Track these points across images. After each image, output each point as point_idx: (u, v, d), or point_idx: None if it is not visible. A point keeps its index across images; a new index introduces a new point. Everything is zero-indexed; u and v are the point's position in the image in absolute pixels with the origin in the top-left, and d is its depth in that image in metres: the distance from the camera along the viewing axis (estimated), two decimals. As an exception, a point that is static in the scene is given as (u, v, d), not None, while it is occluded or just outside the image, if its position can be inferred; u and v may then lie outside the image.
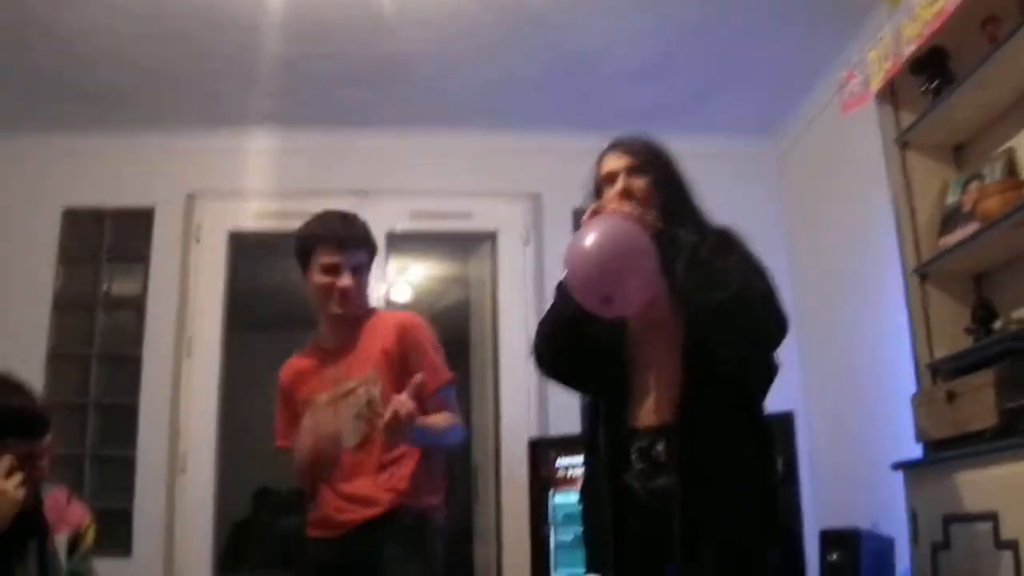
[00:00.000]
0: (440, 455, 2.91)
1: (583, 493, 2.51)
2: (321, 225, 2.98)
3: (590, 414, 2.50)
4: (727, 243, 2.32)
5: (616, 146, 2.47)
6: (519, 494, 4.35)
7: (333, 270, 2.91)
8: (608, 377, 2.40)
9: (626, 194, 2.38)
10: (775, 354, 2.35)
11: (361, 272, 2.95)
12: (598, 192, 2.48)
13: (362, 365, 2.88)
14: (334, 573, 2.81)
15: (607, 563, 2.35)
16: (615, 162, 2.44)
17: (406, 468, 2.80)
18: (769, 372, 2.35)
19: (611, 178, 2.43)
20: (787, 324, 2.23)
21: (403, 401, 2.58)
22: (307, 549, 2.92)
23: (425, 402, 2.74)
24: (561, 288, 2.39)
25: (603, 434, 2.38)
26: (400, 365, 2.84)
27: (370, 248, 3.01)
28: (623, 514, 2.31)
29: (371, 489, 2.78)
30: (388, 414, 2.55)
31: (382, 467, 2.79)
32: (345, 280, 2.90)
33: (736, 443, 2.24)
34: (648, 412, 2.33)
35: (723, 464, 2.22)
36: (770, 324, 2.21)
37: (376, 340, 2.91)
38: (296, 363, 3.06)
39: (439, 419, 2.81)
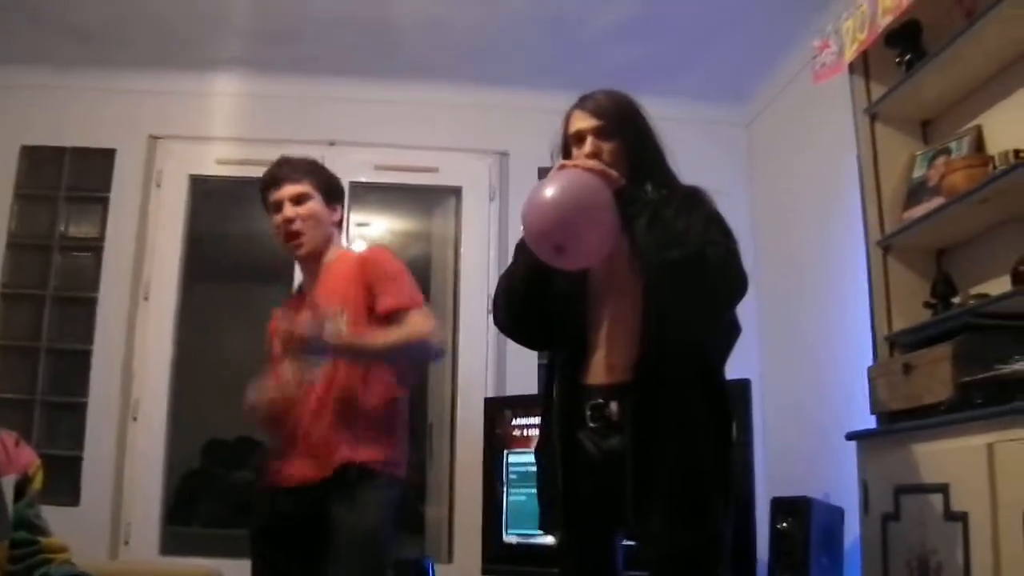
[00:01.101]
0: (399, 397, 2.89)
1: (538, 452, 2.50)
2: (266, 170, 3.07)
3: (547, 371, 2.49)
4: (692, 202, 2.30)
5: (585, 103, 2.42)
6: (474, 453, 4.34)
7: (277, 208, 2.98)
8: (565, 334, 2.39)
9: (594, 157, 2.34)
10: (735, 317, 2.35)
11: (302, 201, 2.97)
12: (565, 149, 2.45)
13: (328, 302, 2.87)
14: (286, 523, 2.81)
15: (558, 522, 2.34)
16: (583, 122, 2.40)
17: (358, 421, 2.78)
18: (729, 335, 2.35)
19: (579, 137, 2.40)
20: (744, 285, 2.22)
21: (300, 322, 2.68)
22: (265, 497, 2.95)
23: (379, 326, 2.80)
24: (521, 244, 2.38)
25: (557, 391, 2.37)
26: (367, 298, 2.86)
27: (315, 179, 3.03)
28: (575, 473, 2.30)
29: (319, 448, 2.78)
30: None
31: (338, 416, 2.78)
32: (286, 211, 2.96)
33: (690, 406, 2.23)
34: (603, 370, 2.32)
35: (676, 426, 2.20)
36: (726, 284, 2.19)
37: (340, 277, 2.93)
38: (277, 312, 3.07)
39: (381, 334, 2.78)
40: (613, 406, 2.27)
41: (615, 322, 2.33)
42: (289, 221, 2.95)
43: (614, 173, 2.27)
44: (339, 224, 3.12)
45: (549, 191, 2.17)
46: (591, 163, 2.29)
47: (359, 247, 5.98)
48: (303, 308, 2.95)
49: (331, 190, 3.07)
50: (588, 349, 2.36)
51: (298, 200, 2.97)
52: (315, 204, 3.00)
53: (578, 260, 2.24)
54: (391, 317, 2.82)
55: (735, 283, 2.20)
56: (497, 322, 2.54)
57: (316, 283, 3.00)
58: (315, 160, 3.13)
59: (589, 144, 2.36)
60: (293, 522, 2.80)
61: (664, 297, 2.21)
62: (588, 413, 2.30)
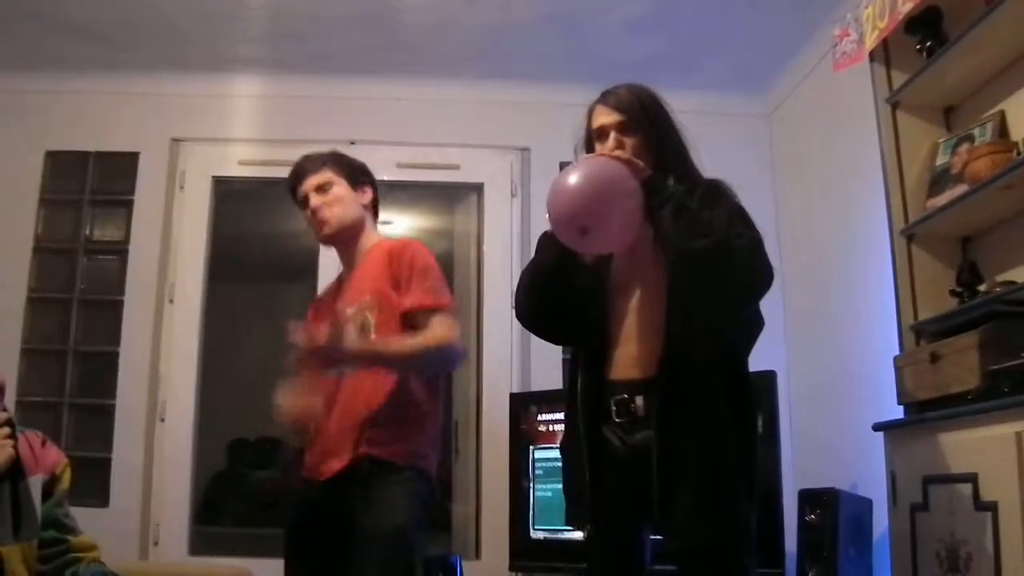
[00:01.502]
0: (428, 392, 2.82)
1: (563, 448, 2.50)
2: (291, 171, 3.06)
3: (571, 366, 2.49)
4: (715, 195, 2.29)
5: (607, 99, 2.43)
6: (499, 449, 4.34)
7: (305, 203, 2.98)
8: (588, 328, 2.39)
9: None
10: (759, 309, 2.34)
11: (326, 189, 2.96)
12: (588, 144, 2.46)
13: (359, 293, 2.86)
14: (314, 518, 2.79)
15: (585, 517, 2.34)
16: (606, 117, 2.40)
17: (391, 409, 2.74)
18: (753, 327, 2.35)
19: (602, 132, 2.40)
20: (770, 277, 2.21)
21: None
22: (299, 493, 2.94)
23: (403, 324, 2.75)
24: (543, 238, 2.39)
25: (581, 386, 2.37)
26: (394, 289, 2.81)
27: (335, 164, 3.01)
28: (601, 468, 2.30)
29: (341, 439, 2.75)
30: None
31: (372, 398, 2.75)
32: (312, 200, 2.95)
33: (714, 399, 2.22)
34: (628, 365, 2.31)
35: (700, 420, 2.20)
36: (752, 276, 2.19)
37: (372, 266, 2.89)
38: (315, 301, 3.13)
39: (399, 341, 2.72)
40: (639, 401, 2.27)
41: (638, 315, 2.33)
42: (317, 209, 2.94)
43: (640, 163, 2.27)
44: (372, 206, 3.09)
45: (575, 176, 2.19)
46: (617, 152, 2.30)
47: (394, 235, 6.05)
48: (336, 294, 2.98)
49: (354, 172, 3.04)
50: (611, 343, 2.35)
51: (321, 189, 2.95)
52: (339, 189, 2.97)
53: (602, 244, 2.26)
54: (413, 317, 2.76)
55: (761, 274, 2.20)
56: (519, 316, 2.53)
57: (351, 272, 2.98)
58: (335, 149, 3.10)
59: (612, 139, 2.37)
60: (320, 517, 2.77)
61: (690, 288, 2.20)
62: (613, 408, 2.30)
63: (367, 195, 3.06)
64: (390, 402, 2.74)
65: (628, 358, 2.32)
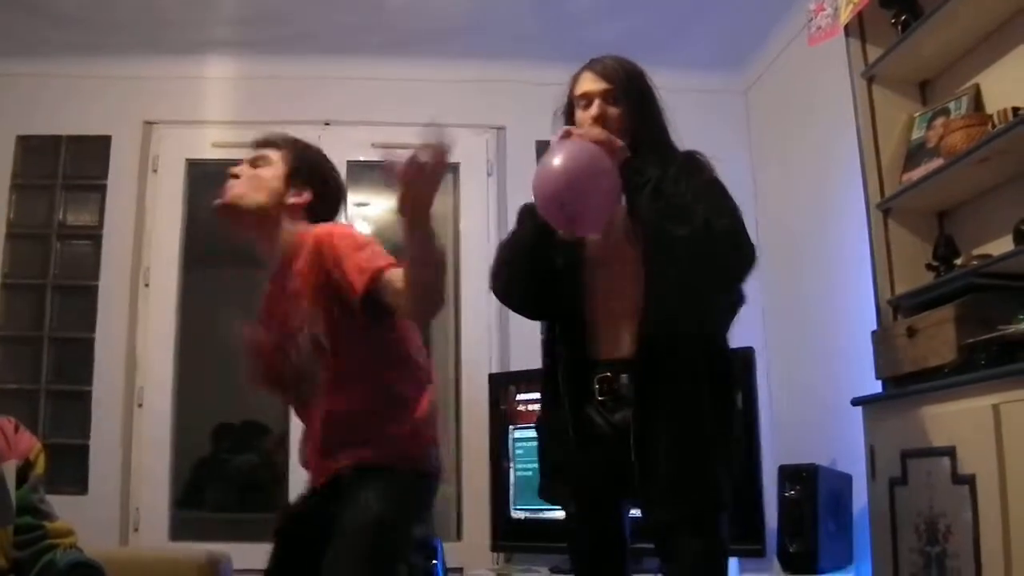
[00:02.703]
0: (411, 386, 2.60)
1: (539, 425, 2.51)
2: None
3: (547, 344, 2.49)
4: (690, 168, 2.30)
5: (594, 66, 2.44)
6: (479, 430, 4.34)
7: None
8: (563, 303, 2.38)
9: (599, 120, 2.36)
10: (741, 288, 2.35)
11: (256, 164, 2.66)
12: (570, 110, 2.46)
13: (296, 303, 2.56)
14: (303, 523, 2.62)
15: (567, 492, 2.36)
16: (591, 84, 2.41)
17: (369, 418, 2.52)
18: (734, 305, 2.36)
19: (586, 99, 2.40)
20: (753, 258, 2.23)
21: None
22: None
23: (365, 310, 2.40)
24: (521, 213, 2.42)
25: (564, 364, 2.36)
26: (328, 287, 2.47)
27: (288, 152, 2.68)
28: (583, 445, 2.30)
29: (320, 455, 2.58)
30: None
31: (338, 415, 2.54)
32: (233, 170, 2.68)
33: (694, 375, 2.23)
34: (611, 343, 2.32)
35: (679, 397, 2.21)
36: (735, 259, 2.22)
37: (299, 267, 2.56)
38: (265, 291, 2.78)
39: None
40: (623, 379, 2.28)
41: (614, 294, 2.33)
42: (231, 177, 2.65)
43: (618, 142, 2.29)
44: (302, 207, 2.67)
45: (557, 159, 2.22)
46: (596, 132, 2.31)
47: (361, 226, 6.00)
48: (273, 294, 2.69)
49: (299, 168, 2.68)
50: (591, 322, 2.35)
51: (253, 162, 2.67)
52: (267, 172, 2.64)
53: (587, 226, 2.27)
54: (375, 292, 2.38)
55: (744, 257, 2.22)
56: (494, 289, 2.52)
57: (279, 269, 2.66)
58: (307, 143, 2.80)
59: (595, 107, 2.38)
60: (310, 515, 2.60)
61: (672, 273, 2.21)
62: (596, 387, 2.31)
63: (302, 196, 2.67)
64: (359, 411, 2.52)
65: (611, 337, 2.32)
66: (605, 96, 2.38)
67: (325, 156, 2.84)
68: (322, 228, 2.58)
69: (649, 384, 2.22)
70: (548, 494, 2.43)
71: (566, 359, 2.36)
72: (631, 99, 2.39)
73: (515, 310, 2.63)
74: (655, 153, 2.34)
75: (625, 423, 2.25)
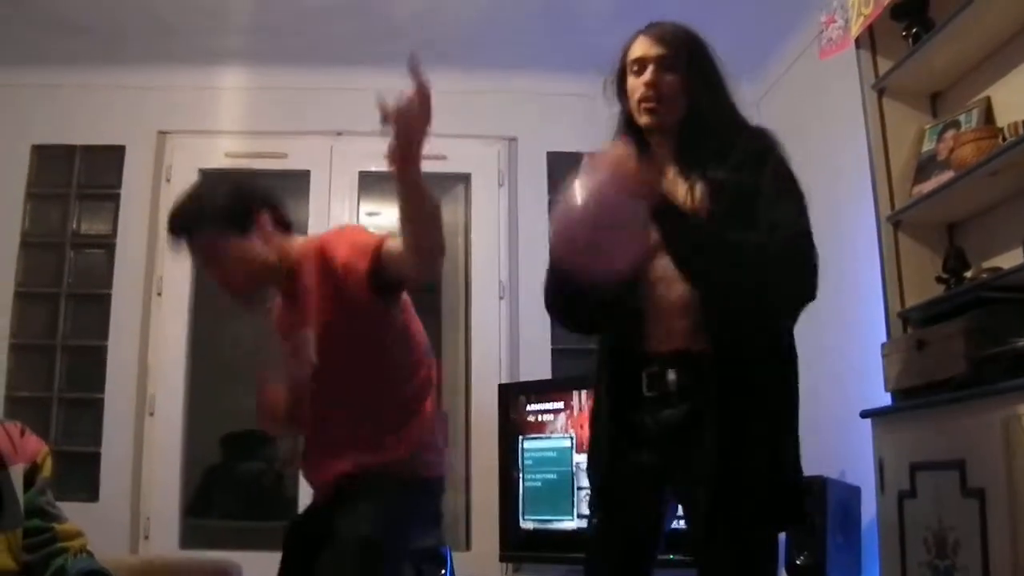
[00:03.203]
0: (415, 395, 2.62)
1: (593, 416, 2.37)
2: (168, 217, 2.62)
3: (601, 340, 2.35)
4: (754, 162, 2.18)
5: (651, 29, 2.28)
6: (489, 440, 4.34)
7: (200, 263, 2.64)
8: (619, 306, 2.22)
9: (653, 86, 2.20)
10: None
11: (220, 253, 2.53)
12: (621, 75, 2.30)
13: (308, 311, 2.57)
14: (309, 536, 2.61)
15: (612, 484, 2.24)
16: (647, 48, 2.24)
17: (370, 425, 2.56)
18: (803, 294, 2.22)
19: (641, 64, 2.24)
20: (810, 292, 2.15)
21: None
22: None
23: (375, 286, 2.40)
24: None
25: (612, 358, 2.24)
26: (338, 292, 2.47)
27: (219, 220, 2.51)
28: (628, 442, 2.19)
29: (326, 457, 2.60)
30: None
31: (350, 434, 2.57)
32: (209, 275, 2.61)
33: (757, 374, 2.13)
34: (660, 337, 2.17)
35: (739, 398, 2.08)
36: (794, 288, 2.12)
37: (307, 278, 2.56)
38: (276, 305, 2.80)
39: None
40: (671, 375, 2.14)
41: (668, 282, 2.17)
42: (223, 284, 2.59)
43: (648, 181, 2.08)
44: (272, 226, 2.59)
45: (572, 208, 2.05)
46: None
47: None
48: (287, 304, 2.68)
49: (235, 216, 2.54)
50: (643, 316, 2.20)
51: (214, 256, 2.55)
52: (236, 247, 2.53)
53: (607, 275, 2.09)
54: (378, 258, 2.39)
55: (800, 292, 2.13)
56: (550, 309, 2.37)
57: (289, 280, 2.63)
58: (203, 193, 2.67)
59: (649, 73, 2.21)
60: (315, 525, 2.59)
61: (727, 311, 2.10)
62: (645, 381, 2.17)
63: (260, 226, 2.57)
64: (371, 414, 2.56)
65: (661, 330, 2.17)
66: (660, 61, 2.21)
67: (226, 178, 2.84)
68: (313, 240, 2.60)
69: (703, 380, 2.09)
70: (596, 476, 2.31)
71: (615, 352, 2.24)
72: (690, 67, 2.22)
73: (572, 329, 2.48)
74: (715, 130, 2.21)
75: (672, 421, 2.12)
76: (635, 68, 2.26)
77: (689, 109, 2.22)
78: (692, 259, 2.09)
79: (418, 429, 2.60)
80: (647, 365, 2.18)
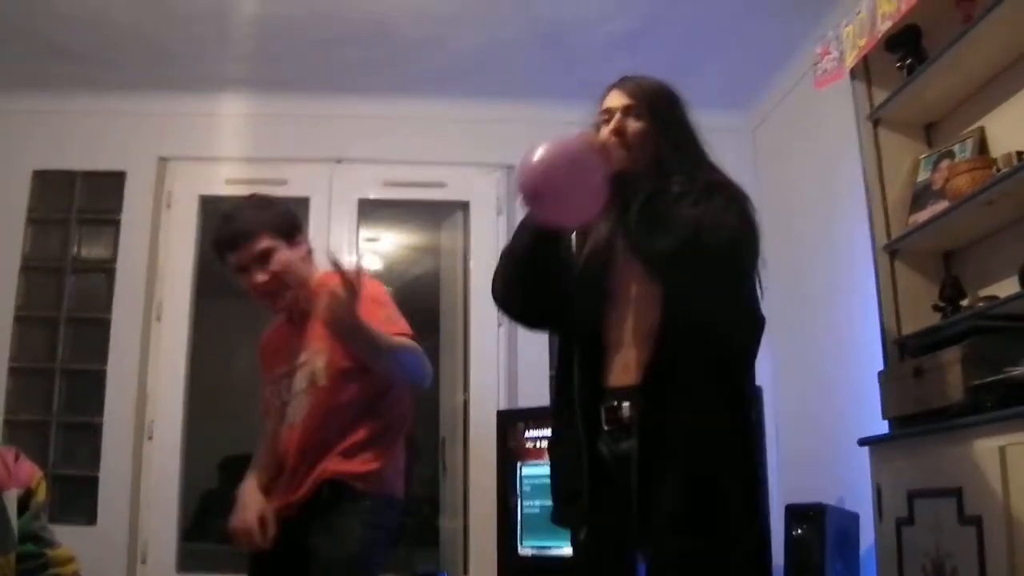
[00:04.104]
0: (392, 421, 2.74)
1: (551, 450, 2.46)
2: (215, 231, 2.82)
3: (562, 372, 2.42)
4: (712, 190, 2.23)
5: (623, 83, 2.40)
6: (487, 466, 4.35)
7: (242, 270, 2.74)
8: (579, 326, 2.34)
9: (618, 134, 2.31)
10: (757, 305, 2.29)
11: (268, 258, 2.71)
12: (597, 127, 2.39)
13: (314, 337, 2.71)
14: (280, 553, 2.66)
15: (582, 519, 2.29)
16: (615, 100, 2.37)
17: (347, 443, 2.64)
18: (751, 327, 2.28)
19: (609, 114, 2.36)
20: (745, 254, 2.20)
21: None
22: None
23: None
24: (523, 218, 2.37)
25: (578, 393, 2.30)
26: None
27: (271, 225, 2.74)
28: (593, 477, 2.24)
29: (302, 470, 2.65)
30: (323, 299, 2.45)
31: (319, 449, 2.66)
32: (257, 277, 2.71)
33: (708, 406, 2.16)
34: (619, 371, 2.26)
35: (688, 429, 2.13)
36: (723, 268, 2.14)
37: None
38: (269, 333, 2.97)
39: (391, 338, 2.59)
40: (625, 407, 2.22)
41: (631, 320, 2.27)
42: (262, 285, 2.72)
43: (616, 151, 2.26)
44: (308, 253, 2.86)
45: (543, 145, 2.18)
46: (599, 136, 2.30)
47: (371, 262, 6.04)
48: (292, 333, 2.82)
49: (289, 227, 2.80)
50: (605, 349, 2.30)
51: (262, 259, 2.71)
52: (282, 255, 2.73)
53: (553, 211, 2.22)
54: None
55: (735, 260, 2.17)
56: (494, 291, 2.47)
57: (305, 311, 2.77)
58: (259, 201, 2.87)
59: (615, 121, 2.33)
60: (283, 545, 2.64)
61: (671, 285, 2.18)
62: (603, 415, 2.26)
63: (304, 245, 2.84)
64: (352, 431, 2.65)
65: (620, 365, 2.27)
66: (626, 111, 2.33)
67: (275, 200, 2.95)
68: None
69: (653, 410, 2.15)
70: (560, 519, 2.41)
71: (579, 385, 2.31)
72: (655, 117, 2.33)
73: (513, 315, 2.56)
74: (678, 174, 2.27)
75: (627, 453, 2.18)
76: (605, 118, 2.37)
77: (656, 158, 2.31)
78: (636, 223, 2.19)
79: (391, 456, 2.71)
80: (605, 399, 2.26)
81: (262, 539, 2.61)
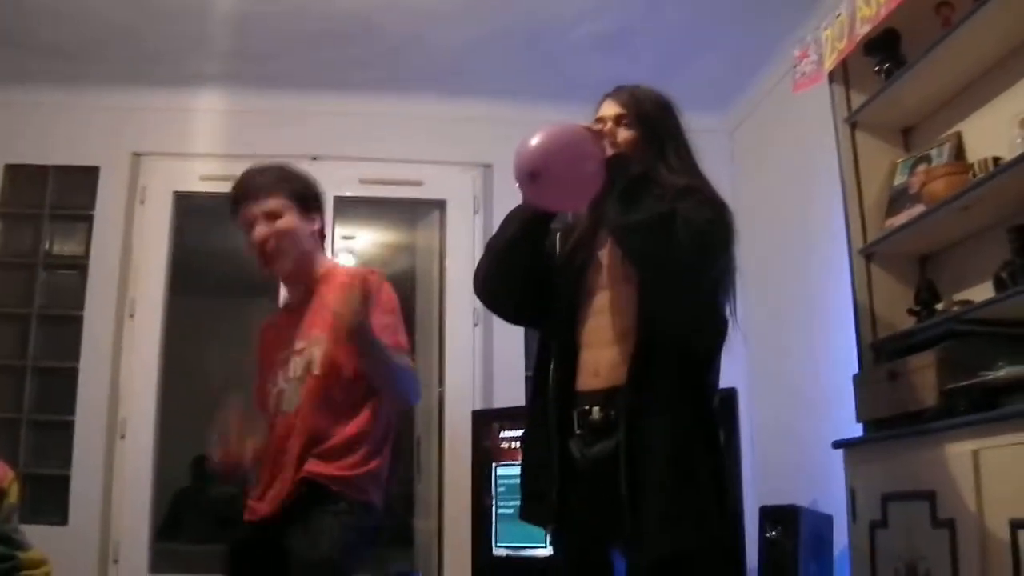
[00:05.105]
0: (380, 426, 2.71)
1: (522, 445, 2.50)
2: (234, 184, 2.83)
3: (536, 377, 2.45)
4: (691, 190, 2.28)
5: (616, 92, 2.45)
6: (462, 466, 4.34)
7: (249, 226, 2.74)
8: (561, 335, 2.37)
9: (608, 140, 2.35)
10: (722, 309, 2.31)
11: (276, 218, 2.72)
12: None
13: (313, 326, 2.72)
14: (255, 554, 2.67)
15: (548, 516, 2.33)
16: (607, 108, 2.42)
17: (332, 442, 2.64)
18: (716, 329, 2.31)
19: (601, 122, 2.41)
20: (715, 246, 2.23)
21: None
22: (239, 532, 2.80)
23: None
24: (510, 212, 2.41)
25: (552, 396, 2.33)
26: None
27: (288, 189, 2.76)
28: (566, 482, 2.27)
29: (284, 467, 2.64)
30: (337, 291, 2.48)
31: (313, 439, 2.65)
32: (258, 231, 2.71)
33: (682, 406, 2.20)
34: (589, 374, 2.30)
35: (666, 429, 2.16)
36: (691, 242, 2.13)
37: (329, 297, 2.68)
38: (267, 322, 2.96)
39: (392, 349, 2.62)
40: (595, 412, 2.25)
41: (605, 320, 2.31)
42: (264, 241, 2.72)
43: (610, 140, 2.31)
44: (320, 234, 2.86)
45: (542, 128, 2.22)
46: (590, 124, 2.33)
47: (347, 260, 6.02)
48: (290, 321, 2.81)
49: (307, 199, 2.80)
50: (579, 348, 2.33)
51: (270, 216, 2.72)
52: (290, 218, 2.74)
53: (549, 193, 2.24)
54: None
55: (701, 243, 2.16)
56: (475, 282, 2.51)
57: (305, 299, 2.80)
58: (286, 166, 2.87)
59: (608, 128, 2.38)
60: (260, 545, 2.64)
61: (639, 263, 2.21)
62: (576, 420, 2.28)
63: (316, 223, 2.84)
64: (339, 428, 2.64)
65: (591, 367, 2.30)
66: (618, 119, 2.38)
67: (302, 172, 2.91)
68: (361, 271, 2.71)
69: (637, 410, 2.18)
70: (527, 515, 2.43)
71: (553, 385, 2.34)
72: (645, 127, 2.38)
73: (493, 306, 2.59)
74: (666, 181, 2.30)
75: (600, 456, 2.22)
76: (598, 127, 2.39)
77: (644, 162, 2.33)
78: (616, 200, 2.20)
79: (374, 465, 2.68)
80: (578, 403, 2.29)
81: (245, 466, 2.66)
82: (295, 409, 2.66)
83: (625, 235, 2.21)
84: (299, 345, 2.72)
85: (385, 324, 2.62)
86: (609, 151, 2.27)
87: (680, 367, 2.22)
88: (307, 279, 2.81)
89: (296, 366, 2.69)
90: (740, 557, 3.47)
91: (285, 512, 2.60)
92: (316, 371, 2.64)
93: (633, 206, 2.17)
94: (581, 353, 2.32)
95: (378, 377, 2.64)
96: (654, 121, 2.41)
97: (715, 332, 2.32)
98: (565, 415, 2.30)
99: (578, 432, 2.28)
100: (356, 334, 2.48)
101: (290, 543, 2.54)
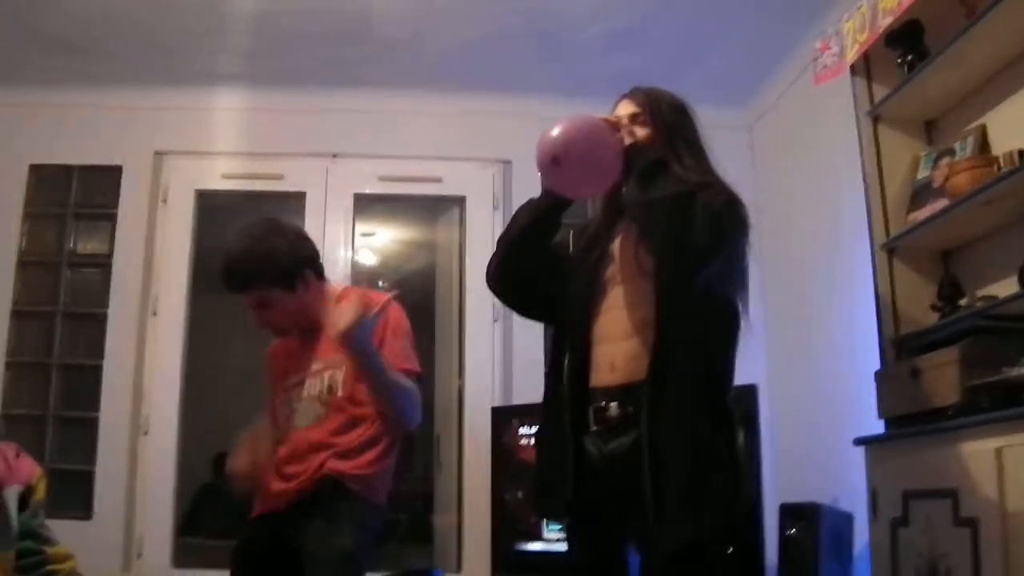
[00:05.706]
0: (392, 430, 2.83)
1: (537, 440, 2.55)
2: (222, 264, 2.86)
3: (551, 372, 2.46)
4: (704, 185, 2.26)
5: (633, 93, 2.49)
6: (481, 462, 4.34)
7: (247, 307, 2.86)
8: (576, 330, 2.37)
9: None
10: (735, 304, 2.31)
11: (269, 304, 2.81)
12: None
13: (330, 347, 2.78)
14: (267, 548, 2.76)
15: (560, 510, 2.37)
16: (623, 108, 2.46)
17: (350, 444, 2.74)
18: (729, 323, 2.31)
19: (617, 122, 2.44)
20: (729, 230, 2.23)
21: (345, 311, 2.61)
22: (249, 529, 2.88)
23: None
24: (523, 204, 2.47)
25: (567, 392, 2.34)
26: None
27: (266, 278, 2.79)
28: (580, 477, 2.28)
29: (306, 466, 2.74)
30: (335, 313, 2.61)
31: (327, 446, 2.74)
32: (253, 318, 2.85)
33: (699, 400, 2.19)
34: (605, 370, 2.29)
35: (677, 433, 2.15)
36: (707, 223, 2.14)
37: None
38: (277, 344, 3.04)
39: (395, 373, 2.73)
40: (612, 407, 2.25)
41: (619, 312, 2.32)
42: (265, 324, 2.88)
43: (628, 128, 2.37)
44: (315, 275, 2.92)
45: (563, 121, 2.27)
46: (608, 116, 2.38)
47: (367, 257, 6.03)
48: (305, 341, 2.90)
49: (291, 274, 2.84)
50: (594, 343, 2.33)
51: (260, 306, 2.83)
52: (280, 299, 2.82)
53: (571, 178, 2.29)
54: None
55: (722, 223, 2.18)
56: (488, 273, 2.52)
57: (322, 328, 2.84)
58: (269, 237, 2.87)
59: (624, 128, 2.40)
60: (275, 540, 2.74)
61: (652, 237, 2.23)
62: (592, 416, 2.29)
63: (308, 286, 2.88)
64: (358, 437, 2.74)
65: (606, 362, 2.30)
66: (633, 119, 2.42)
67: (287, 229, 2.96)
68: (375, 295, 2.82)
69: (656, 403, 2.17)
70: (541, 510, 2.45)
71: (568, 381, 2.34)
72: (660, 126, 2.41)
73: (502, 296, 2.59)
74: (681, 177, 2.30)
75: (617, 452, 2.22)
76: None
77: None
78: (637, 181, 2.24)
79: (386, 467, 2.80)
80: (593, 399, 2.30)
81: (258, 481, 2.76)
82: (310, 425, 2.77)
83: (645, 212, 2.22)
84: (316, 366, 2.81)
85: (397, 349, 2.74)
86: (628, 141, 2.33)
87: (697, 359, 2.22)
88: (314, 322, 2.89)
89: (313, 386, 2.78)
90: (759, 555, 3.45)
91: (298, 506, 2.63)
92: (340, 392, 2.74)
93: (652, 185, 2.20)
94: (595, 348, 2.33)
95: (378, 395, 2.73)
96: (669, 121, 2.44)
97: (726, 320, 2.31)
98: (580, 411, 2.30)
99: (594, 428, 2.28)
100: (348, 340, 2.57)
101: (305, 538, 2.57)
